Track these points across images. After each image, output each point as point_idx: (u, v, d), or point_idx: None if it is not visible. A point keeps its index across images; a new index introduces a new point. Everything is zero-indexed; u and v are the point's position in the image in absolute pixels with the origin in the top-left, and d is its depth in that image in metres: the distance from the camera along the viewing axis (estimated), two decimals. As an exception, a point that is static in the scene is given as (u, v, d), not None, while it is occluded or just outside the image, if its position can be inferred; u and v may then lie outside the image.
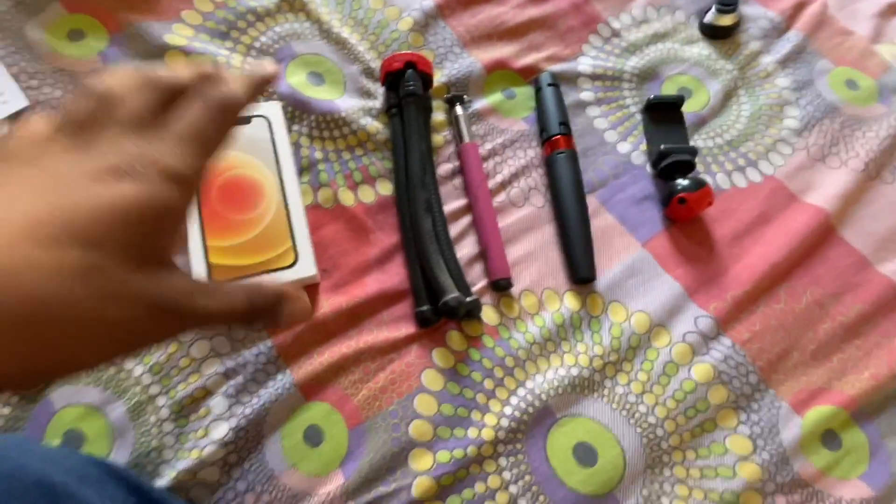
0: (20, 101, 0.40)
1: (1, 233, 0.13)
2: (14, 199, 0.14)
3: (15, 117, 0.40)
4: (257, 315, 0.18)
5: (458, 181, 0.45)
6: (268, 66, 0.22)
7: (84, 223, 0.14)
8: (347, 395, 0.37)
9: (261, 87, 0.21)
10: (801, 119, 0.50)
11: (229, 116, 0.19)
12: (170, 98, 0.18)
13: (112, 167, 0.15)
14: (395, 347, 0.38)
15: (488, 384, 0.38)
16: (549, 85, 0.48)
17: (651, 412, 0.38)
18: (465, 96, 0.47)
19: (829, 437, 0.39)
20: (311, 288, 0.40)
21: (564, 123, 0.46)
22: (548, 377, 0.38)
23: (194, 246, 0.37)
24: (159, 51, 0.43)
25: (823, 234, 0.45)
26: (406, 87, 0.43)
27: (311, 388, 0.37)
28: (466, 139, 0.46)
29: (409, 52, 0.45)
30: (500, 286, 0.41)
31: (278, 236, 0.38)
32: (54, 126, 0.17)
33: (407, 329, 0.39)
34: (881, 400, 0.40)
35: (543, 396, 0.37)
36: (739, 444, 0.38)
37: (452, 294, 0.37)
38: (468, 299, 0.38)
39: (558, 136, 0.46)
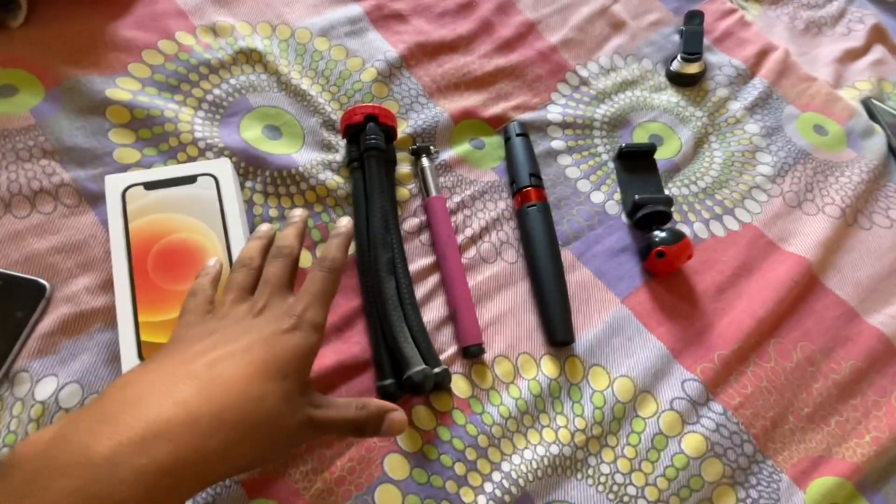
0: (-64, 163, 0.36)
1: (248, 371, 0.22)
2: (248, 350, 0.24)
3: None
4: (365, 425, 0.26)
5: (425, 237, 0.42)
6: (345, 222, 0.31)
7: (284, 364, 0.24)
8: (298, 489, 0.32)
9: (349, 242, 0.31)
10: (774, 165, 0.49)
11: (338, 275, 0.29)
12: (296, 262, 0.30)
13: (289, 326, 0.25)
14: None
15: (459, 469, 0.34)
16: (518, 135, 0.47)
17: (641, 494, 0.34)
18: (431, 147, 0.45)
19: (835, 512, 0.35)
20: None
21: (535, 175, 0.44)
22: (525, 458, 0.34)
23: (124, 321, 0.33)
24: (99, 106, 0.41)
25: (808, 285, 0.43)
26: (367, 140, 0.41)
27: (255, 483, 0.32)
28: (433, 192, 0.43)
29: (370, 104, 0.44)
30: (472, 353, 0.37)
31: (222, 307, 0.34)
32: (234, 292, 0.29)
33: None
34: (885, 466, 0.37)
35: (521, 482, 0.33)
36: (740, 527, 0.34)
37: (417, 367, 0.33)
38: (436, 370, 0.34)
39: (529, 188, 0.44)
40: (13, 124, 0.39)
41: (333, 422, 0.25)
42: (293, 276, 0.30)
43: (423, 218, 0.43)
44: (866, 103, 0.58)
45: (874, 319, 0.42)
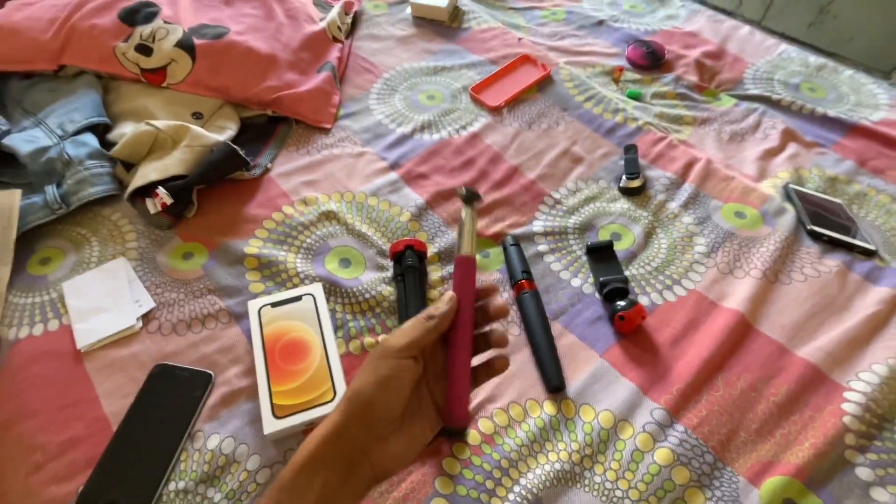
0: (150, 304, 0.59)
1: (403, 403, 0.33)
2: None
3: (145, 315, 0.58)
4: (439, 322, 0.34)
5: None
6: (447, 301, 0.35)
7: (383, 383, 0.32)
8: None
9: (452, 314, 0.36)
10: (707, 245, 0.66)
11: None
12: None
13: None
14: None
15: (489, 484, 0.47)
16: (512, 244, 0.66)
17: (626, 495, 0.46)
18: (478, 192, 0.39)
19: (789, 505, 0.45)
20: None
21: (526, 271, 0.63)
22: (537, 473, 0.47)
23: (263, 392, 0.51)
24: (240, 259, 0.64)
25: (743, 330, 0.57)
26: (406, 262, 0.62)
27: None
28: (465, 250, 0.37)
29: (408, 238, 0.65)
30: (452, 433, 0.35)
31: (321, 380, 0.52)
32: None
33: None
34: (828, 467, 0.47)
35: (535, 490, 0.46)
36: (709, 520, 0.44)
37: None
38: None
39: (523, 281, 0.62)
40: (191, 276, 0.62)
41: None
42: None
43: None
44: (784, 187, 0.75)
45: (802, 352, 0.54)
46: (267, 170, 0.76)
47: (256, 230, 0.68)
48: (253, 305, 0.58)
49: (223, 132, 0.77)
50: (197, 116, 0.80)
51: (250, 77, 0.82)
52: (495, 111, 0.86)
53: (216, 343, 0.57)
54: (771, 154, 0.81)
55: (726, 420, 0.50)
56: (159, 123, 0.70)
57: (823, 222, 0.68)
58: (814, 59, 0.99)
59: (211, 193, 0.71)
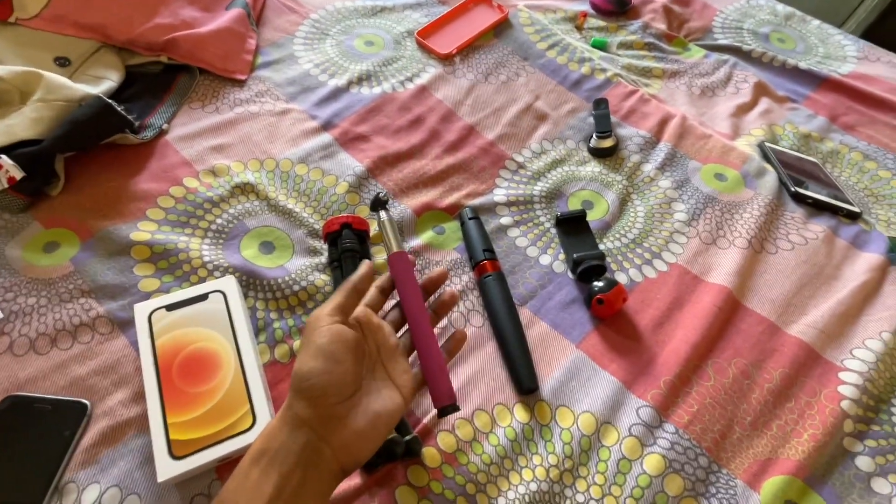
0: (-5, 315, 0.44)
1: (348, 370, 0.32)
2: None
3: (-11, 330, 0.44)
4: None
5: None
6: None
7: (323, 355, 0.31)
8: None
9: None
10: (688, 211, 0.59)
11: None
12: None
13: None
14: (356, 492, 0.39)
15: (453, 516, 0.38)
16: (471, 218, 0.56)
17: (614, 516, 0.39)
18: (381, 193, 0.42)
19: (790, 508, 0.40)
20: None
21: (488, 249, 0.53)
22: (509, 498, 0.39)
23: (155, 425, 0.39)
24: (125, 247, 0.50)
25: (732, 308, 0.51)
26: (343, 244, 0.50)
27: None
28: (394, 248, 0.39)
29: (345, 214, 0.53)
30: (447, 412, 0.36)
31: (236, 401, 0.41)
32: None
33: (356, 477, 0.39)
34: (828, 460, 0.42)
35: (508, 520, 0.38)
36: (708, 534, 0.38)
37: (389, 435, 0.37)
38: (406, 438, 0.40)
39: (485, 262, 0.52)
40: (56, 273, 0.48)
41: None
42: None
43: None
44: (761, 146, 0.69)
45: (793, 330, 0.49)
46: (162, 132, 0.60)
47: (148, 210, 0.53)
48: (141, 309, 0.44)
49: (99, 83, 0.60)
50: (62, 63, 0.62)
51: (134, 12, 0.64)
52: (446, 59, 0.73)
53: (93, 361, 0.44)
54: (743, 110, 0.75)
55: (719, 414, 0.44)
56: (-2, 69, 0.52)
57: (805, 183, 0.62)
58: (782, 8, 0.93)
59: (84, 164, 0.55)
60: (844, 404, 0.44)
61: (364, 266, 0.37)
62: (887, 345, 0.47)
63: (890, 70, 0.82)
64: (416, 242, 0.55)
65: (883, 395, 0.46)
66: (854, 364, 0.47)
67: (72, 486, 0.38)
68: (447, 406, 0.37)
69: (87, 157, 0.56)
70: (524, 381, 0.45)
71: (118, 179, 0.55)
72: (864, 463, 0.42)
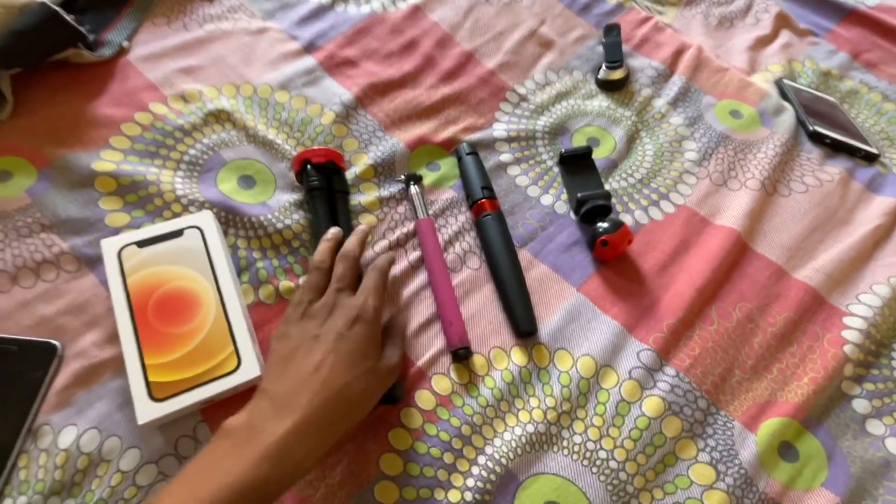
0: (-54, 250, 0.40)
1: (338, 367, 0.32)
2: (334, 350, 0.33)
3: (-60, 266, 0.40)
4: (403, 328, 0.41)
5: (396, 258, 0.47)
6: (363, 228, 0.42)
7: (357, 351, 0.33)
8: (305, 496, 0.36)
9: (392, 258, 0.41)
10: (699, 150, 0.55)
11: (385, 273, 0.39)
12: (357, 263, 0.39)
13: (353, 318, 0.35)
14: (349, 437, 0.38)
15: (448, 458, 0.38)
16: (469, 154, 0.52)
17: (611, 456, 0.38)
18: (418, 174, 0.50)
19: (785, 448, 0.40)
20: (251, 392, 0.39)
21: (487, 187, 0.50)
22: (506, 439, 0.38)
23: (132, 367, 0.36)
24: (88, 178, 0.45)
25: (739, 252, 0.48)
26: (310, 182, 0.46)
27: (267, 496, 0.35)
28: (421, 215, 0.48)
29: (308, 148, 0.47)
30: (461, 356, 0.41)
31: (219, 343, 0.38)
32: (311, 293, 0.37)
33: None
34: (825, 402, 0.42)
35: (504, 461, 0.37)
36: (703, 474, 0.38)
37: None
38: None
39: (483, 200, 0.49)
40: (11, 206, 0.43)
41: (397, 357, 0.36)
42: (354, 275, 0.38)
43: (392, 239, 0.48)
44: (778, 83, 0.64)
45: (800, 274, 0.48)
46: (122, 50, 0.53)
47: (112, 137, 0.48)
48: (109, 245, 0.41)
49: (44, -10, 0.52)
50: (-2, -36, 0.53)
51: None
52: (443, -24, 0.66)
53: (60, 301, 0.40)
54: (762, 43, 0.70)
55: (721, 358, 0.43)
56: (-83, -35, 0.44)
57: (823, 123, 0.59)
58: (811, -71, 0.85)
59: (35, 84, 0.49)
60: (847, 349, 0.43)
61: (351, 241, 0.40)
62: (894, 290, 0.46)
63: (920, 2, 0.76)
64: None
65: (885, 339, 0.45)
66: (859, 309, 0.46)
67: (46, 429, 0.36)
68: (461, 349, 0.41)
69: (38, 76, 0.49)
70: (522, 324, 0.43)
71: (75, 102, 0.49)
72: (860, 405, 0.42)
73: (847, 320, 0.45)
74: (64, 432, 0.36)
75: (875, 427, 0.41)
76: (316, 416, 0.30)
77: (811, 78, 0.67)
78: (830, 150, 0.57)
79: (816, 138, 0.57)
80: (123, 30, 0.54)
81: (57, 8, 0.47)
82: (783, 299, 0.46)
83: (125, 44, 0.53)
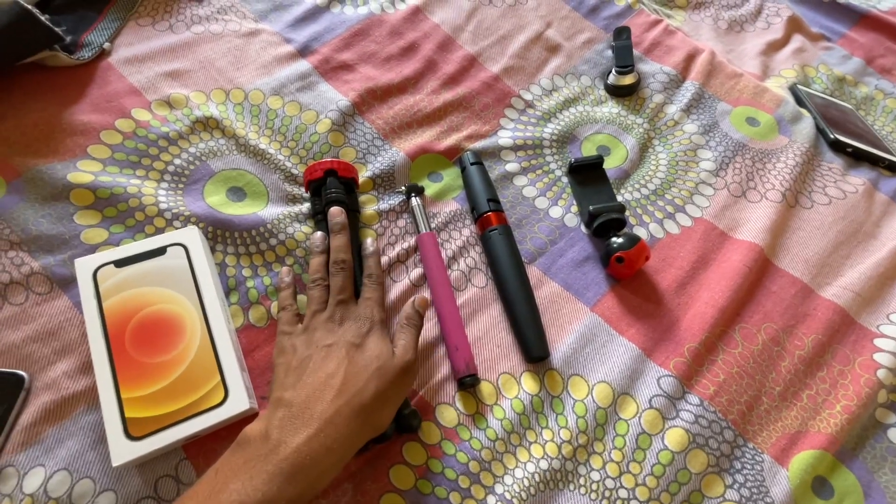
0: None
1: (357, 373, 0.32)
2: (348, 356, 0.33)
3: None
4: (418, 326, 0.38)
5: (395, 274, 0.44)
6: (370, 242, 0.42)
7: (375, 357, 0.33)
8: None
9: (379, 257, 0.43)
10: (715, 160, 0.53)
11: (383, 284, 0.40)
12: (352, 271, 0.39)
13: (367, 329, 0.35)
14: (347, 475, 0.35)
15: (455, 498, 0.34)
16: (473, 163, 0.49)
17: (633, 496, 0.35)
18: (420, 185, 0.48)
19: (819, 484, 0.37)
20: (249, 419, 0.36)
21: (493, 199, 0.47)
22: (517, 476, 0.35)
23: (107, 401, 0.33)
24: (62, 191, 0.42)
25: (762, 268, 0.46)
26: (329, 195, 0.43)
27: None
28: (423, 230, 0.45)
29: (330, 159, 0.45)
30: (467, 384, 0.38)
31: (204, 373, 0.35)
32: (315, 305, 0.37)
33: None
34: (859, 432, 0.39)
35: (515, 501, 0.34)
36: (731, 513, 0.35)
37: None
38: (405, 411, 0.35)
39: (489, 213, 0.46)
40: (-22, 221, 0.40)
41: (412, 350, 0.35)
42: (352, 284, 0.38)
43: (392, 255, 0.45)
44: (793, 89, 0.62)
45: (828, 293, 0.45)
46: (103, 52, 0.50)
47: (90, 146, 0.45)
48: (83, 265, 0.37)
49: (20, -11, 0.49)
50: (-30, -40, 0.50)
51: None
52: (444, -24, 0.63)
53: (29, 326, 0.37)
54: (774, 48, 0.67)
55: (747, 384, 0.40)
56: None
57: (843, 131, 0.56)
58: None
59: (6, 88, 0.46)
60: (880, 373, 0.41)
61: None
62: (927, 309, 0.44)
63: (934, 6, 0.74)
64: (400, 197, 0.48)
65: (919, 362, 0.42)
66: (891, 330, 0.43)
67: (10, 471, 0.32)
68: (466, 379, 0.38)
69: (10, 79, 0.46)
70: (533, 348, 0.40)
71: (50, 108, 0.46)
72: (896, 435, 0.39)
73: (879, 342, 0.43)
74: (30, 474, 0.32)
75: (913, 459, 0.38)
76: (335, 425, 0.29)
77: (826, 84, 0.64)
78: (852, 160, 0.55)
79: (838, 147, 0.55)
80: (105, 31, 0.51)
81: (30, 7, 0.43)
82: (810, 319, 0.43)
83: (106, 45, 0.50)
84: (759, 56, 0.66)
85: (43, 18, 0.44)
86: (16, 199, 0.41)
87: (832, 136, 0.55)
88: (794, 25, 0.70)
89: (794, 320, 0.43)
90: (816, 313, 0.44)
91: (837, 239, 0.48)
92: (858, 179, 0.53)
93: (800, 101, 0.60)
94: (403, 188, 0.47)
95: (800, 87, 0.62)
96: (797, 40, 0.69)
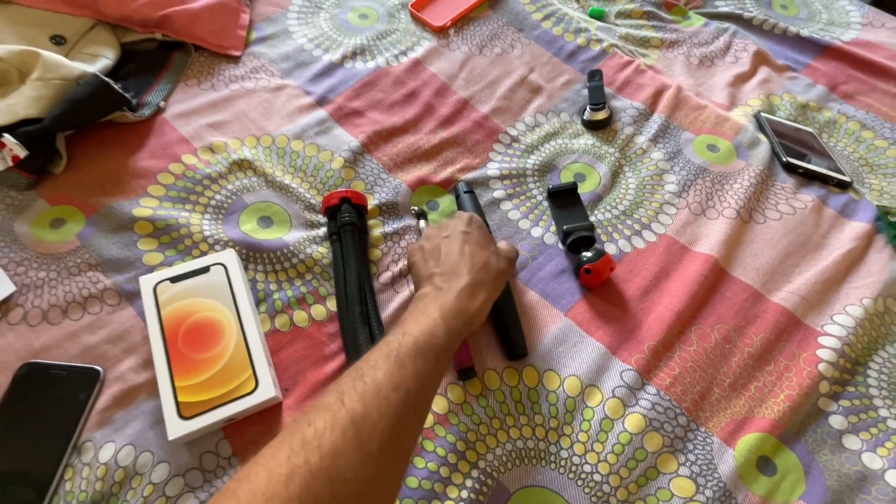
0: (8, 288, 0.47)
1: (476, 251, 0.43)
2: (467, 241, 0.44)
3: (3, 303, 0.46)
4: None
5: (398, 287, 0.52)
6: None
7: (483, 237, 0.45)
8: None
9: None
10: (678, 183, 0.60)
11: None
12: None
13: (468, 219, 0.47)
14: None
15: (444, 472, 0.41)
16: (466, 192, 0.57)
17: (595, 470, 0.41)
18: (423, 208, 0.57)
19: (763, 463, 0.42)
20: (274, 407, 0.44)
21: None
22: (497, 454, 0.42)
23: (164, 389, 0.41)
24: (128, 223, 0.52)
25: (717, 277, 0.52)
26: (343, 218, 0.52)
27: None
28: None
29: (344, 189, 0.54)
30: (467, 375, 0.45)
31: (239, 367, 0.43)
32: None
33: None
34: (802, 419, 0.44)
35: (495, 474, 0.41)
36: (683, 487, 0.41)
37: None
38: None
39: (477, 234, 0.53)
40: (63, 248, 0.50)
41: (514, 249, 0.47)
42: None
43: (395, 270, 0.52)
44: (756, 117, 0.69)
45: (776, 297, 0.51)
46: (159, 109, 0.61)
47: (149, 186, 0.55)
48: (146, 282, 0.47)
49: (95, 61, 0.61)
50: (57, 41, 0.62)
51: (126, -12, 0.64)
52: (440, 32, 0.73)
53: (103, 331, 0.46)
54: (742, 80, 0.74)
55: (700, 377, 0.46)
56: (-4, 49, 0.53)
57: (798, 154, 0.63)
58: (786, -28, 0.91)
59: (84, 142, 0.56)
60: (822, 367, 0.46)
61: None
62: (867, 310, 0.49)
63: (894, 36, 0.80)
64: (410, 218, 0.56)
65: (860, 358, 0.47)
66: (834, 329, 0.48)
67: (89, 445, 0.41)
68: (466, 368, 0.45)
69: (88, 135, 0.57)
70: (515, 349, 0.46)
71: (119, 157, 0.56)
72: (836, 421, 0.44)
73: (822, 340, 0.48)
74: (104, 448, 0.41)
75: (851, 442, 0.43)
76: (477, 279, 0.40)
77: (789, 110, 0.71)
78: (805, 179, 0.61)
79: (790, 168, 0.61)
80: (161, 92, 0.62)
81: (107, 79, 0.54)
82: (760, 321, 0.49)
83: (162, 104, 0.61)
84: (727, 87, 0.73)
85: (117, 87, 0.55)
86: (93, 230, 0.51)
87: (784, 159, 0.61)
88: (760, 59, 0.77)
89: (744, 321, 0.49)
90: (766, 315, 0.49)
91: (787, 250, 0.54)
92: (808, 196, 0.59)
93: (761, 128, 0.67)
94: (414, 211, 0.56)
95: (763, 114, 0.69)
96: (763, 72, 0.76)
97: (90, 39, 0.63)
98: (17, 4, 0.62)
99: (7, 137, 0.50)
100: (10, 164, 0.50)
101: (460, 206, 0.57)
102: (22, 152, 0.50)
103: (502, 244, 0.46)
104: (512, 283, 0.51)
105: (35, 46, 0.55)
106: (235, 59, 0.67)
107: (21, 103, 0.52)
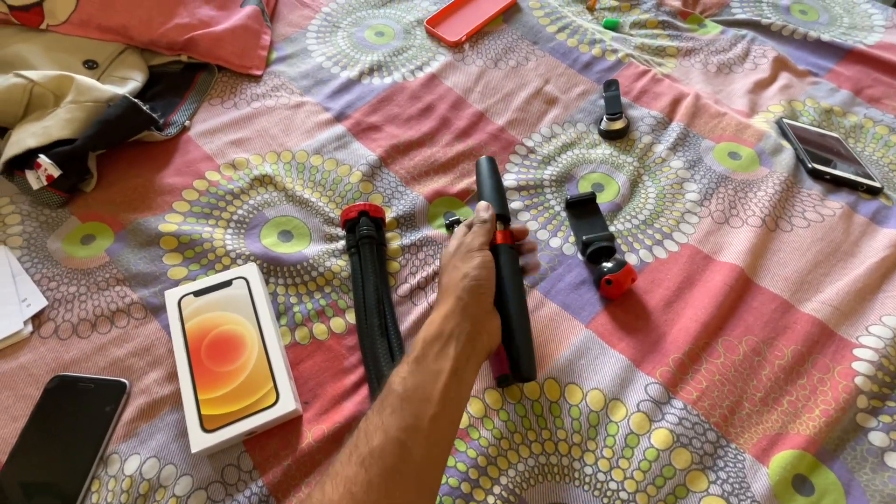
0: (41, 302, 0.48)
1: (475, 270, 0.41)
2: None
3: (36, 317, 0.47)
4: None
5: (416, 299, 0.52)
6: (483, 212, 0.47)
7: (470, 271, 0.41)
8: None
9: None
10: (700, 191, 0.58)
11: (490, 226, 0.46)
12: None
13: (465, 252, 0.43)
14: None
15: (465, 488, 0.40)
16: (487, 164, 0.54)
17: (622, 487, 0.40)
18: (459, 218, 0.55)
19: (799, 482, 0.40)
20: (294, 420, 0.44)
21: (503, 216, 0.49)
22: (519, 469, 0.41)
23: (188, 401, 0.42)
24: (154, 238, 0.53)
25: (743, 286, 0.50)
26: (361, 231, 0.52)
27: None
28: None
29: (363, 202, 0.54)
30: (503, 382, 0.43)
31: (260, 380, 0.44)
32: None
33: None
34: (839, 435, 0.42)
35: (518, 490, 0.40)
36: (715, 506, 0.39)
37: None
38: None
39: (496, 231, 0.48)
40: (93, 264, 0.51)
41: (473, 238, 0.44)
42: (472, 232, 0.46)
43: (413, 282, 0.52)
44: (779, 123, 0.67)
45: (807, 307, 0.49)
46: (185, 128, 0.63)
47: (174, 203, 0.56)
48: (171, 296, 0.48)
49: (125, 84, 0.63)
50: (90, 66, 0.65)
51: (154, 13, 0.67)
52: (455, 47, 0.74)
53: (130, 344, 0.47)
54: (761, 86, 0.73)
55: (729, 391, 0.44)
56: (33, 74, 0.56)
57: (823, 160, 0.61)
58: (804, -23, 0.90)
59: (114, 161, 0.59)
60: (858, 380, 0.44)
61: (487, 209, 0.46)
62: (905, 321, 0.47)
63: (920, 38, 0.78)
64: (428, 230, 0.57)
65: (900, 371, 0.45)
66: (870, 340, 0.46)
67: (115, 457, 0.41)
68: (502, 375, 0.43)
69: (117, 154, 0.59)
70: (524, 371, 0.42)
71: (146, 175, 0.58)
72: (877, 438, 0.42)
73: (858, 352, 0.46)
74: (129, 460, 0.41)
75: (894, 460, 0.41)
76: (457, 294, 0.39)
77: (813, 116, 0.69)
78: (832, 186, 0.59)
79: (816, 175, 0.59)
80: (186, 111, 0.64)
81: (136, 100, 0.57)
82: (790, 332, 0.47)
83: (187, 123, 0.63)
84: (747, 94, 0.72)
85: (145, 108, 0.57)
86: (121, 245, 0.53)
87: (810, 166, 0.59)
88: (780, 64, 0.76)
89: (774, 333, 0.47)
90: (796, 326, 0.48)
91: (816, 258, 0.52)
92: (837, 203, 0.57)
93: (784, 134, 0.65)
94: (446, 221, 0.55)
95: (785, 120, 0.67)
96: (784, 77, 0.74)
97: (120, 63, 0.66)
98: (53, 32, 0.65)
99: (42, 158, 0.52)
100: (45, 183, 0.52)
101: (479, 176, 0.53)
102: (56, 172, 0.52)
103: (468, 237, 0.44)
104: (531, 295, 0.51)
105: (69, 71, 0.58)
106: (257, 79, 0.69)
107: (55, 125, 0.54)
